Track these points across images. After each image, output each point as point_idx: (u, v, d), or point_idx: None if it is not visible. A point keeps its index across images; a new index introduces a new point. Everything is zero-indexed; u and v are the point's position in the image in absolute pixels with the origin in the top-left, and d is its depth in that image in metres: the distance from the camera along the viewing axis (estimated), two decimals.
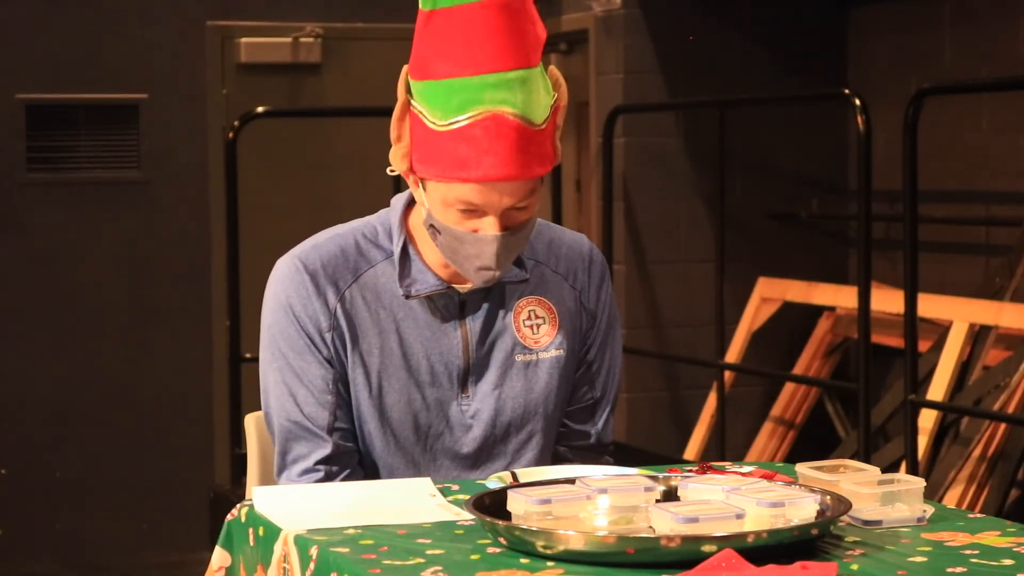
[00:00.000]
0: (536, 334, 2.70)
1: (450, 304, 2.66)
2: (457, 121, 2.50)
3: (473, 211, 2.53)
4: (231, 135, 5.89)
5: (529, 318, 2.70)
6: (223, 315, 6.18)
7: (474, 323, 2.67)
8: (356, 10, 7.03)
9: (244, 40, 6.94)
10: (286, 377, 2.64)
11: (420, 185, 2.59)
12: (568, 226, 6.76)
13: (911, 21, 6.22)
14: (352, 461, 2.66)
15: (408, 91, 2.57)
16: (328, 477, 2.63)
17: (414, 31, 2.58)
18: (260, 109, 6.00)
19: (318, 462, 2.63)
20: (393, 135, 2.59)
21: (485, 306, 2.68)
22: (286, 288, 2.65)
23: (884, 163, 5.81)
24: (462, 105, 2.49)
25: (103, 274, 6.80)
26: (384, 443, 2.66)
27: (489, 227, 2.53)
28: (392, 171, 2.66)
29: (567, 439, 2.78)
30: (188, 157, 6.89)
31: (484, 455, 2.69)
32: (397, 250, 2.66)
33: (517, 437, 2.69)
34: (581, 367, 2.76)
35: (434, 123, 2.52)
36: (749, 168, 6.41)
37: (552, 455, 2.78)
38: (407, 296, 2.65)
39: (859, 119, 4.96)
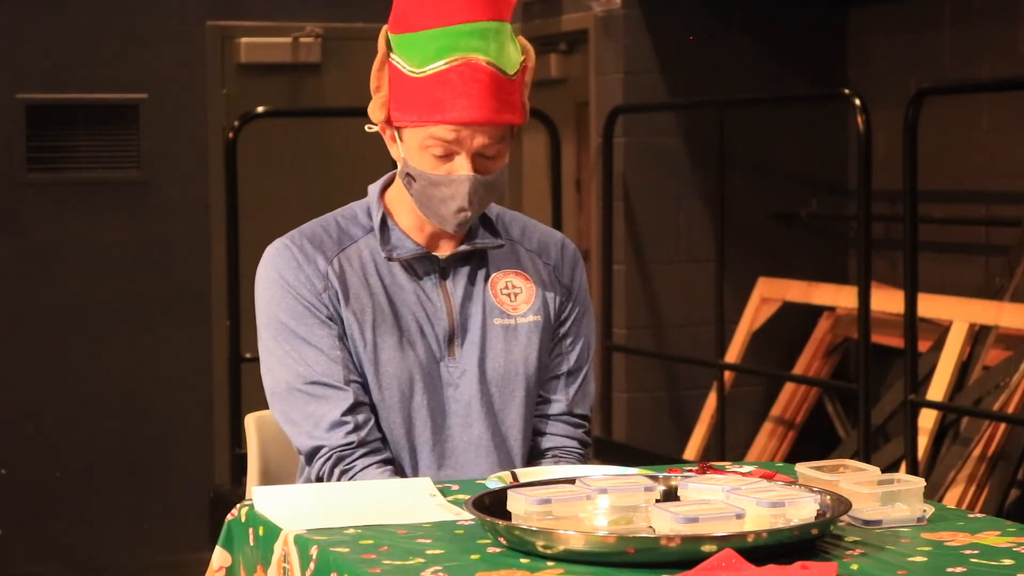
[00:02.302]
0: (514, 302, 2.82)
1: (431, 269, 2.79)
2: (434, 67, 2.66)
3: (447, 155, 2.68)
4: (231, 135, 5.89)
5: (506, 287, 2.83)
6: (223, 315, 6.18)
7: (455, 287, 2.79)
8: (356, 10, 7.04)
9: (244, 40, 6.94)
10: (294, 345, 2.73)
11: (397, 138, 2.74)
12: (568, 226, 6.79)
13: (911, 21, 6.22)
14: (371, 412, 2.74)
15: (388, 45, 2.73)
16: (356, 428, 2.70)
17: None
18: (260, 109, 6.01)
19: (343, 414, 2.70)
20: (373, 85, 2.75)
21: (464, 271, 2.80)
22: (276, 265, 2.77)
23: (884, 163, 5.81)
24: (439, 52, 2.66)
25: (103, 274, 6.80)
26: (380, 398, 2.74)
27: (462, 168, 2.68)
28: (370, 128, 2.81)
29: (539, 406, 2.87)
30: (188, 157, 6.90)
31: (473, 412, 2.77)
32: (377, 220, 2.78)
33: (501, 397, 2.79)
34: (555, 339, 2.86)
35: (412, 70, 2.68)
36: (749, 168, 6.41)
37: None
38: (389, 259, 2.76)
39: (859, 119, 4.96)
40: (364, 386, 2.73)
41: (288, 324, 2.73)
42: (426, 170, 2.69)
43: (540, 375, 2.83)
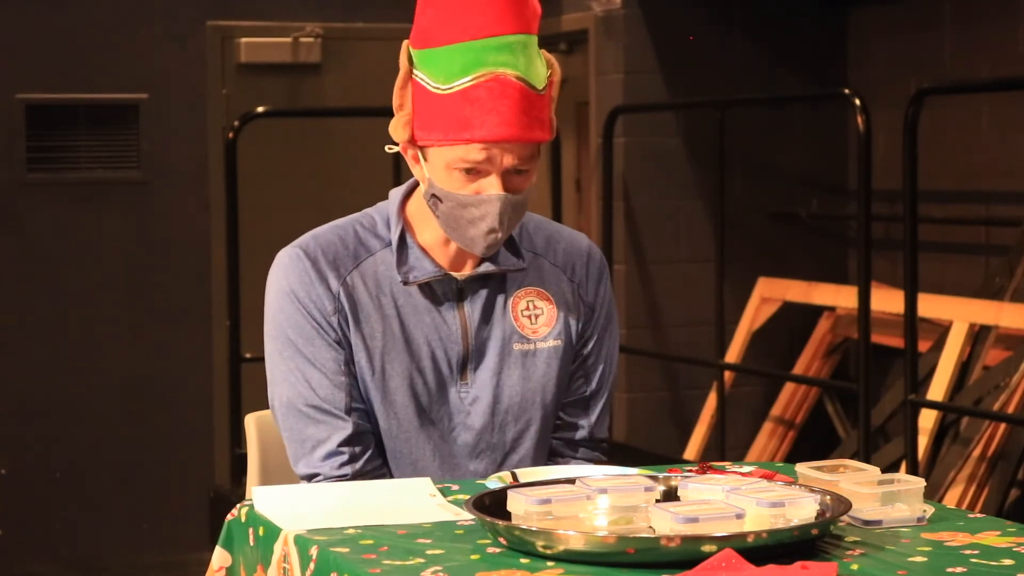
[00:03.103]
0: (534, 324, 2.72)
1: (448, 291, 2.69)
2: (461, 83, 2.55)
3: (476, 173, 2.57)
4: (231, 135, 5.89)
5: (528, 308, 2.73)
6: (223, 315, 6.18)
7: (472, 310, 2.70)
8: (356, 10, 7.04)
9: (244, 40, 6.94)
10: (298, 364, 2.66)
11: (420, 158, 2.63)
12: (568, 226, 6.78)
13: (911, 21, 6.22)
14: (371, 441, 2.68)
15: (410, 61, 2.62)
16: (352, 459, 2.64)
17: (416, 3, 2.64)
18: (260, 109, 6.01)
19: (340, 444, 2.64)
20: (395, 103, 2.64)
21: (483, 293, 2.71)
22: (288, 277, 2.67)
23: (884, 163, 5.81)
24: (465, 68, 2.55)
25: (103, 274, 6.80)
26: (387, 426, 2.67)
27: (492, 187, 2.57)
28: (391, 148, 2.71)
29: (560, 431, 2.80)
30: (188, 157, 6.89)
31: (483, 442, 2.70)
32: (395, 237, 2.68)
33: (515, 426, 2.71)
34: (577, 360, 2.78)
35: (437, 87, 2.57)
36: (749, 168, 6.41)
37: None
38: (405, 283, 2.67)
39: (859, 119, 4.96)
40: (369, 412, 2.67)
41: (295, 341, 2.65)
42: (454, 191, 2.57)
43: (557, 403, 2.75)
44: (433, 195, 2.62)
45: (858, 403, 5.02)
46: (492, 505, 2.24)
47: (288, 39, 7.00)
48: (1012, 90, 5.55)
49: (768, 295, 6.35)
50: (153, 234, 6.86)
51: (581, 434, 2.79)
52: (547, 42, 6.84)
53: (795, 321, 6.41)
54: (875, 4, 6.41)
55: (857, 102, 5.02)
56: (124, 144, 6.84)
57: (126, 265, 6.84)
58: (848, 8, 6.51)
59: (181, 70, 6.89)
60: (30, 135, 6.71)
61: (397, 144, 2.68)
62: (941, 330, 5.63)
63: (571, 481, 2.29)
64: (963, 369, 5.47)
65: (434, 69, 2.57)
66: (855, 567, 2.05)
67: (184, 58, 6.89)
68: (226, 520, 2.45)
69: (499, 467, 2.71)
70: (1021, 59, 5.73)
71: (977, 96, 5.90)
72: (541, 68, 2.61)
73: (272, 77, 7.01)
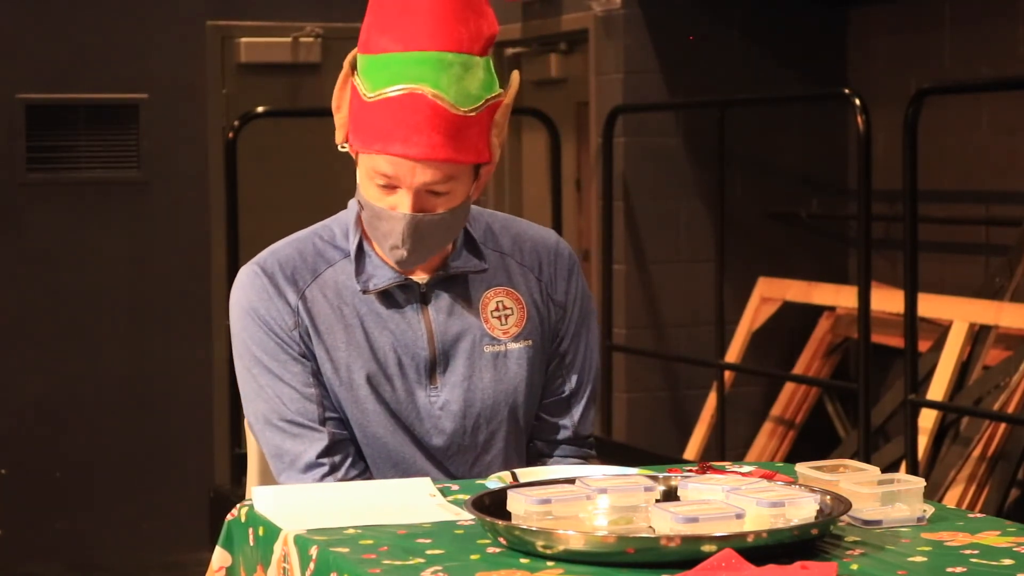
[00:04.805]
0: (504, 325, 2.70)
1: (411, 296, 2.67)
2: (383, 93, 2.54)
3: (391, 187, 2.57)
4: (231, 135, 5.89)
5: (497, 309, 2.70)
6: (223, 316, 6.16)
7: (438, 314, 2.67)
8: (356, 10, 7.00)
9: (244, 40, 6.95)
10: (267, 380, 2.65)
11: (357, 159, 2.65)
12: (568, 226, 6.79)
13: (911, 21, 6.22)
14: (350, 448, 2.66)
15: (352, 65, 2.63)
16: (333, 469, 2.64)
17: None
18: (260, 109, 6.01)
19: (319, 456, 2.63)
20: (334, 105, 2.67)
21: (448, 296, 2.68)
22: (247, 294, 2.69)
23: (884, 163, 5.81)
24: (389, 79, 2.54)
25: (103, 274, 6.81)
26: (362, 434, 2.66)
27: (401, 204, 2.56)
28: (343, 147, 2.69)
29: (544, 433, 2.78)
30: (188, 157, 6.90)
31: (454, 446, 2.68)
32: (353, 247, 2.68)
33: (487, 428, 2.69)
34: (554, 360, 2.76)
35: (365, 94, 2.57)
36: (749, 168, 6.41)
37: (531, 451, 2.79)
38: (364, 291, 2.66)
39: (859, 119, 4.96)
40: (344, 420, 2.66)
41: (261, 359, 2.65)
42: (371, 200, 2.59)
43: (529, 404, 2.73)
44: (359, 201, 2.64)
45: (858, 403, 5.02)
46: (492, 505, 2.24)
47: (288, 39, 7.01)
48: (1012, 90, 5.55)
49: (768, 295, 6.35)
50: (153, 234, 6.87)
51: (565, 434, 2.78)
52: (547, 42, 6.84)
53: (795, 321, 6.41)
54: (875, 4, 6.41)
55: (857, 102, 5.03)
56: (124, 144, 6.85)
57: (126, 265, 6.84)
58: (848, 8, 6.51)
59: (181, 70, 6.89)
60: (30, 135, 6.72)
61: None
62: (941, 330, 5.63)
63: (571, 481, 2.29)
64: (963, 369, 5.47)
65: (367, 75, 2.57)
66: (855, 567, 2.05)
67: (184, 58, 6.90)
68: (226, 520, 2.45)
69: (471, 468, 2.70)
70: (1021, 59, 5.73)
71: (977, 96, 5.90)
72: (477, 88, 2.56)
73: (272, 77, 7.01)
